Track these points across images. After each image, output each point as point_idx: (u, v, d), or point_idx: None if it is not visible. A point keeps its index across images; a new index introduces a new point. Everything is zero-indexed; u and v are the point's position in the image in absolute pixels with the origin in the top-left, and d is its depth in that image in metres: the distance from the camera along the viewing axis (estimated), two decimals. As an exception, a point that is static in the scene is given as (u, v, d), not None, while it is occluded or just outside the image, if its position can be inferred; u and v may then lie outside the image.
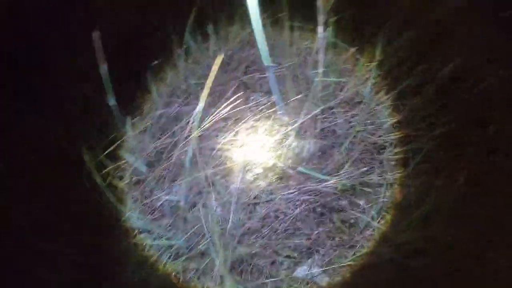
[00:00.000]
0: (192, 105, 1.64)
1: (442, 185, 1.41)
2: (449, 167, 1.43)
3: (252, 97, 1.69)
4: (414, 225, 1.40)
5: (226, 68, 1.71)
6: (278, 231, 1.48)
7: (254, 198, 1.52)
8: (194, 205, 1.55)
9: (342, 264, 1.45)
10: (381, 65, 1.55)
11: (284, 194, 1.51)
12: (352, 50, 1.65)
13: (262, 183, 1.54)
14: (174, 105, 1.67)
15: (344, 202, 1.51)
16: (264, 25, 1.66)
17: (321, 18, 1.29)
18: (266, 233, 1.47)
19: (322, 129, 1.55)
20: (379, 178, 1.53)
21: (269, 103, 1.66)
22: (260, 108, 1.66)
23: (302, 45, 1.70)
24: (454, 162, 1.42)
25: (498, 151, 1.36)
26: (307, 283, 1.43)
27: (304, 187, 1.49)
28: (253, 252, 1.45)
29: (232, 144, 1.61)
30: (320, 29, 1.28)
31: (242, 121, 1.63)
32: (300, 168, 1.37)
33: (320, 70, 1.37)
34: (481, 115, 1.45)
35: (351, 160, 1.53)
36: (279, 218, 1.49)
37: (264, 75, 1.67)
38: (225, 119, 1.64)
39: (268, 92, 1.69)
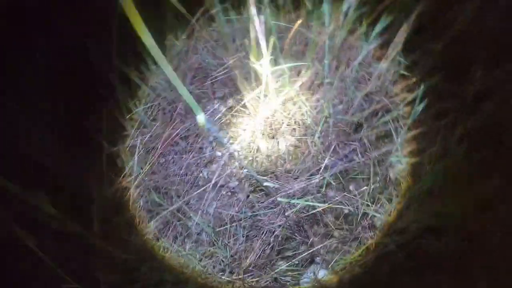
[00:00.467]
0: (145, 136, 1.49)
1: (435, 152, 1.26)
2: (438, 129, 1.27)
3: (208, 107, 1.53)
4: (415, 204, 1.26)
5: (172, 84, 1.55)
6: (271, 245, 1.34)
7: (237, 213, 1.37)
8: (175, 237, 1.41)
9: (347, 261, 1.33)
10: (333, 35, 1.38)
11: (265, 204, 1.36)
12: (296, 26, 1.49)
13: (240, 196, 1.39)
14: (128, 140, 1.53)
15: (331, 195, 1.36)
16: (201, 26, 1.53)
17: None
18: (258, 250, 1.33)
19: (288, 124, 1.40)
20: (363, 159, 1.38)
21: (225, 109, 1.51)
22: (219, 116, 1.51)
23: (244, 38, 1.53)
24: (441, 122, 1.26)
25: (486, 98, 1.20)
26: (316, 288, 1.30)
27: (285, 191, 1.34)
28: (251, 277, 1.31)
29: (198, 163, 1.46)
30: (253, 10, 1.10)
31: (202, 136, 1.48)
32: (267, 183, 1.22)
33: (268, 59, 1.20)
34: (458, 63, 1.29)
35: (328, 147, 1.38)
36: (267, 231, 1.35)
37: (215, 80, 1.53)
38: (184, 138, 1.50)
39: (224, 97, 1.54)
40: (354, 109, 1.38)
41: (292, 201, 1.30)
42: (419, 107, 1.30)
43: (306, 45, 1.46)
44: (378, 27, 1.34)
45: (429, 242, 1.14)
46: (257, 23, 1.09)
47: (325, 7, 1.24)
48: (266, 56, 1.17)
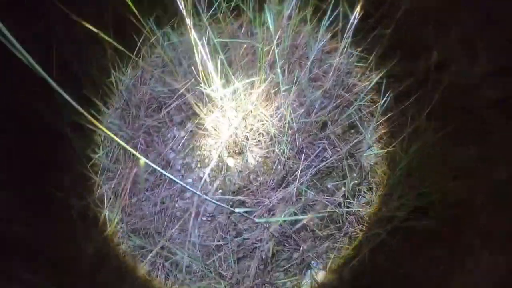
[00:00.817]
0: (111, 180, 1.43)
1: (407, 133, 1.25)
2: (404, 110, 1.27)
3: (168, 135, 1.49)
4: (397, 190, 1.26)
5: (127, 121, 1.50)
6: (264, 261, 1.32)
7: (222, 239, 1.34)
8: (167, 275, 1.37)
9: (342, 258, 1.33)
10: (280, 40, 1.34)
11: (247, 222, 1.34)
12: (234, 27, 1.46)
13: (220, 219, 1.36)
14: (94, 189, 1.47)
15: (310, 198, 1.34)
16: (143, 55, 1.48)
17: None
18: (253, 270, 1.31)
19: (253, 137, 1.36)
20: (334, 156, 1.36)
21: (186, 134, 1.46)
22: (181, 142, 1.46)
23: (190, 60, 1.48)
24: (405, 103, 1.25)
25: (443, 71, 1.20)
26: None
27: (264, 206, 1.31)
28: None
29: (171, 195, 1.42)
30: (194, 34, 1.05)
31: (170, 166, 1.44)
32: (237, 209, 1.19)
33: (219, 83, 1.16)
34: (409, 43, 1.28)
35: (297, 152, 1.36)
36: (257, 249, 1.32)
37: (170, 107, 1.47)
38: (151, 172, 1.45)
39: (182, 123, 1.49)
40: (315, 109, 1.36)
41: (270, 220, 1.27)
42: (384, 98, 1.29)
43: (254, 54, 1.42)
44: (324, 23, 1.30)
45: (418, 222, 1.13)
46: (201, 48, 1.05)
47: (268, 15, 1.19)
48: (217, 80, 1.13)
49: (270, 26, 1.15)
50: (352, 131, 1.43)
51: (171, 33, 1.49)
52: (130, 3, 1.16)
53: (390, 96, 1.29)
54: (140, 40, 1.44)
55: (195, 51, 1.07)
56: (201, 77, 1.15)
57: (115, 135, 1.39)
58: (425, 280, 1.12)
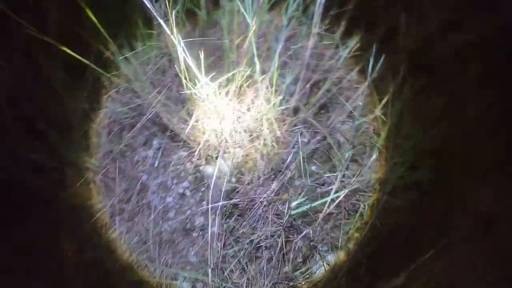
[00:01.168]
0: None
1: (389, 98, 1.29)
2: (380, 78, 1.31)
3: (135, 158, 1.39)
4: (387, 152, 1.31)
5: (91, 151, 1.37)
6: (273, 259, 1.27)
7: (223, 249, 1.27)
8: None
9: (349, 235, 1.33)
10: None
11: (245, 225, 1.29)
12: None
13: (213, 230, 1.30)
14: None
15: (302, 183, 1.34)
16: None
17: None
18: (266, 272, 1.26)
19: (231, 138, 1.32)
20: (316, 137, 1.38)
21: (154, 152, 1.38)
22: (150, 162, 1.37)
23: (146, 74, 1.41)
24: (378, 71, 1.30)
25: (406, 36, 1.27)
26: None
27: (265, 199, 1.28)
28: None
29: (155, 218, 1.32)
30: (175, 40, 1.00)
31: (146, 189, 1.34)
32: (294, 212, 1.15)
33: (205, 79, 1.11)
34: (372, 14, 1.35)
35: (278, 143, 1.35)
36: (261, 248, 1.28)
37: (133, 127, 1.38)
38: (127, 200, 1.34)
39: (147, 142, 1.40)
40: (287, 96, 1.35)
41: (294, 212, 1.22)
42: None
43: (216, 53, 1.39)
44: (289, 10, 1.30)
45: (415, 178, 1.18)
46: (181, 50, 1.01)
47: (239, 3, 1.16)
48: (202, 78, 1.09)
49: (245, 15, 1.13)
50: (323, 111, 1.45)
51: (123, 47, 1.39)
52: (98, 25, 1.07)
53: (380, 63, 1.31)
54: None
55: (179, 55, 1.02)
56: (183, 75, 1.09)
57: (80, 169, 1.27)
58: (425, 232, 1.16)
